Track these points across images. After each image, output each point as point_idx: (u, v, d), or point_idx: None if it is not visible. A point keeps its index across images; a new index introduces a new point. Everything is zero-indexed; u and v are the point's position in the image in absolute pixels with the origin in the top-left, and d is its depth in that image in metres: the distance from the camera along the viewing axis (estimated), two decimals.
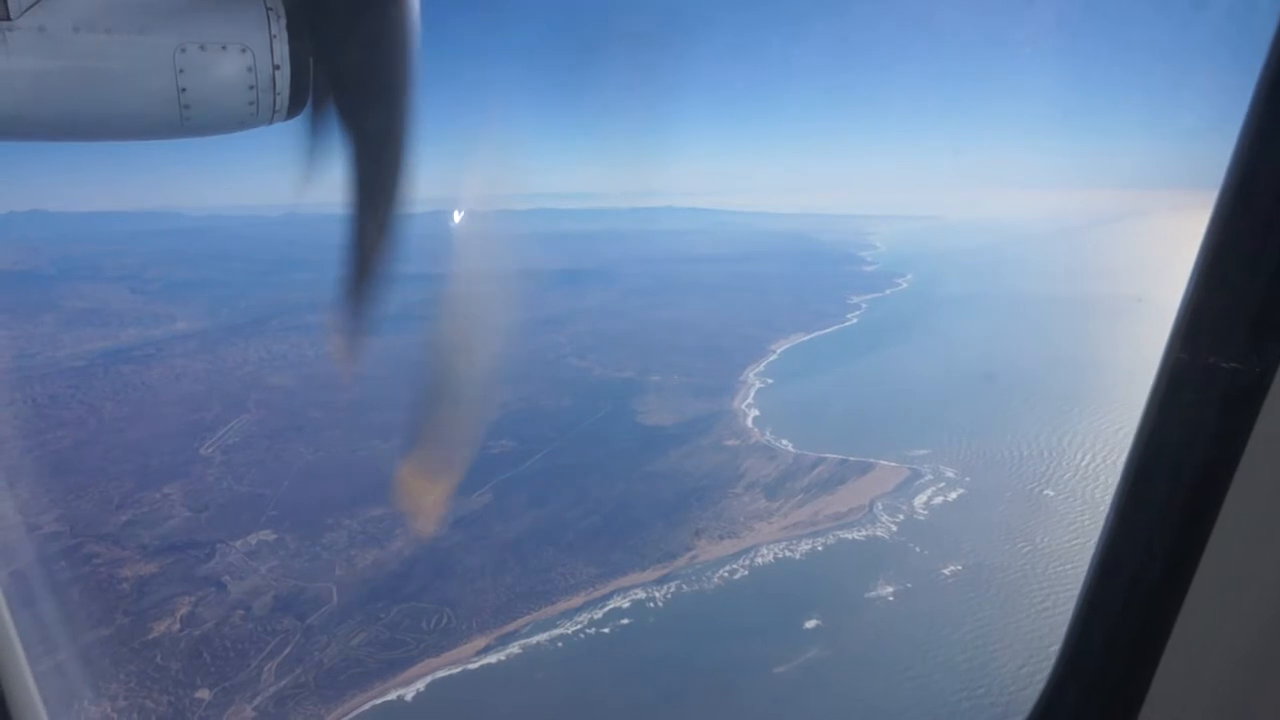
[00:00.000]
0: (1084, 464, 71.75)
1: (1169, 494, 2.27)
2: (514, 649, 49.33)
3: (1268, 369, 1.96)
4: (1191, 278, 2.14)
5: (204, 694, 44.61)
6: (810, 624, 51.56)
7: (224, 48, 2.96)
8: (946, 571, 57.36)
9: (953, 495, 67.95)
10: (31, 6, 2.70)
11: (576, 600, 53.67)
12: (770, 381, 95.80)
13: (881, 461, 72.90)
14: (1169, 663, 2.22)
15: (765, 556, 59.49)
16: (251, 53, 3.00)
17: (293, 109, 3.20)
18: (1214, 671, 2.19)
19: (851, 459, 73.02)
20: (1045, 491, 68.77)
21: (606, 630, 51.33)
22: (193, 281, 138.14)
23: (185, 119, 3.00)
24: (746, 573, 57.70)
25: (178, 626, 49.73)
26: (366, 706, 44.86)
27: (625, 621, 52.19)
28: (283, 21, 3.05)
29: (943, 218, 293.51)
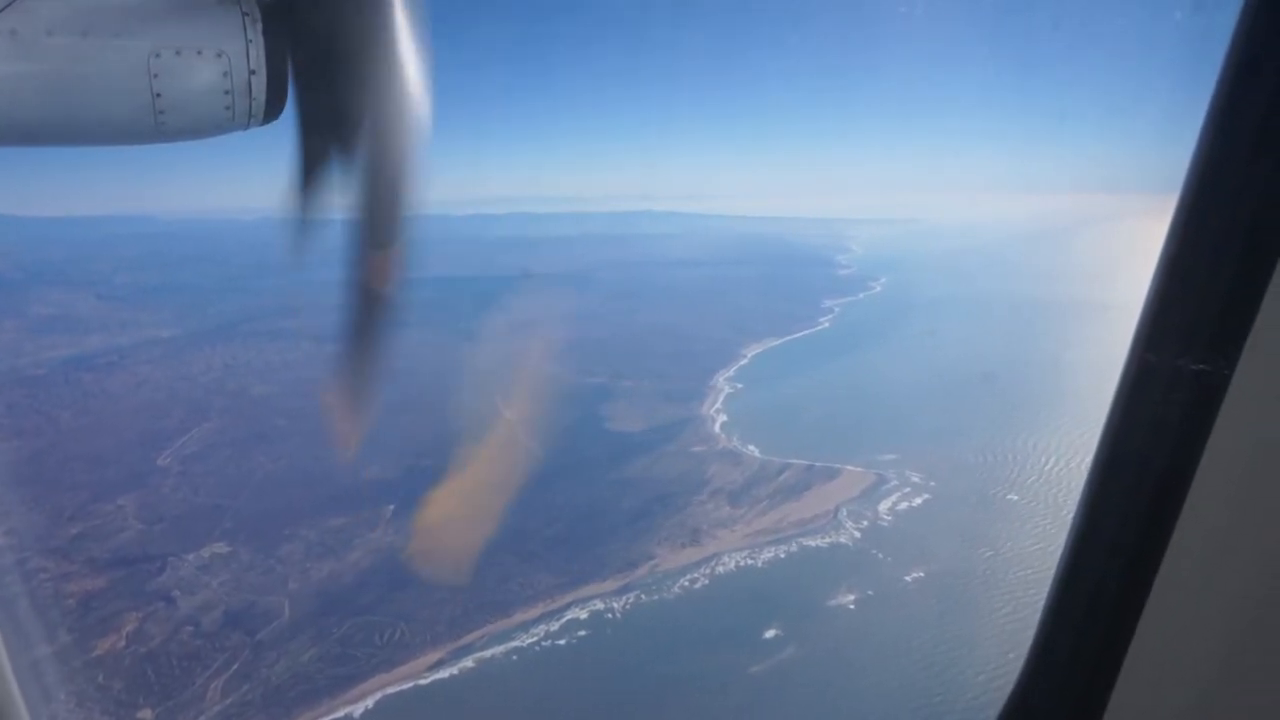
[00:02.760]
0: (1048, 468, 71.88)
1: (1134, 494, 2.29)
2: (467, 663, 48.56)
3: (1228, 370, 1.99)
4: (1154, 280, 2.17)
5: (146, 714, 43.57)
6: (770, 634, 51.13)
7: (199, 53, 2.90)
8: (909, 578, 57.15)
9: (918, 500, 67.82)
10: (2, 10, 2.65)
11: (534, 612, 52.97)
12: (740, 386, 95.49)
13: (848, 467, 72.67)
14: (1133, 662, 2.25)
15: (727, 565, 59.04)
16: (227, 58, 2.95)
17: (269, 114, 3.14)
18: (1179, 670, 2.21)
19: (818, 464, 72.76)
20: (1010, 496, 68.83)
21: (562, 642, 50.67)
22: (162, 286, 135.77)
23: (160, 124, 2.95)
24: (707, 581, 57.23)
25: (123, 644, 48.57)
26: None
27: (582, 633, 51.57)
28: (259, 26, 2.99)
29: (920, 221, 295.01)
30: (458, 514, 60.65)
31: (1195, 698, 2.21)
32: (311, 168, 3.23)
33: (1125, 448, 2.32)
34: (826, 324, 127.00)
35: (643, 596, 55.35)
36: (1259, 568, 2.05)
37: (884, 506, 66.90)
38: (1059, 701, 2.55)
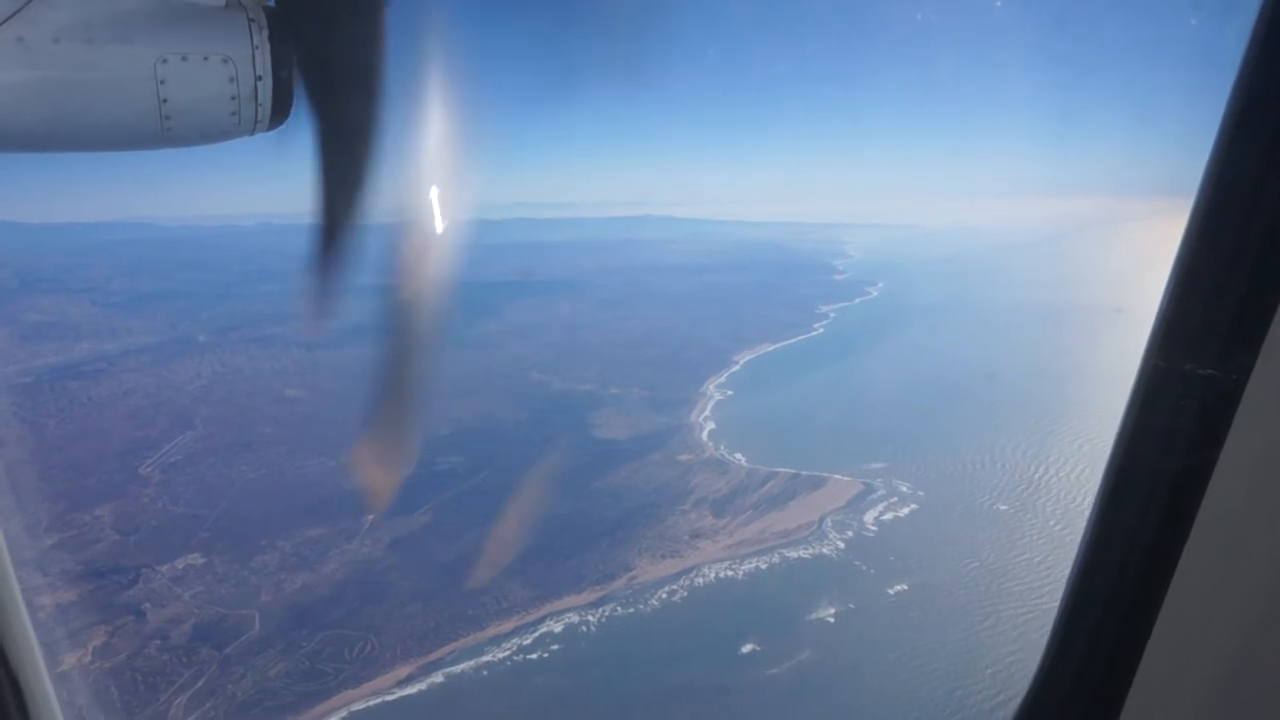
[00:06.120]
0: (1038, 476, 70.87)
1: (1149, 499, 2.30)
2: (436, 678, 47.79)
3: (1242, 375, 2.02)
4: (1168, 285, 2.18)
5: None
6: (746, 648, 50.23)
7: (206, 59, 2.92)
8: (891, 591, 56.16)
9: (904, 511, 66.85)
10: (10, 17, 2.66)
11: (508, 625, 52.18)
12: (730, 393, 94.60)
13: (835, 476, 71.72)
14: (1149, 665, 2.27)
15: (707, 576, 58.17)
16: (233, 64, 2.97)
17: (275, 120, 3.16)
18: (1194, 673, 2.24)
19: (804, 474, 71.85)
20: (999, 506, 67.79)
21: (534, 656, 49.84)
22: (157, 293, 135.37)
23: (166, 130, 2.96)
24: (686, 594, 56.38)
25: (89, 658, 47.87)
26: None
27: (556, 647, 50.73)
28: (265, 32, 3.01)
29: (919, 226, 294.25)
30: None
31: (1210, 700, 2.22)
32: (322, 172, 3.25)
33: (1140, 453, 2.33)
34: (821, 330, 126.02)
35: (619, 609, 54.48)
36: (1273, 572, 2.04)
37: (870, 517, 65.91)
38: (1075, 703, 2.56)
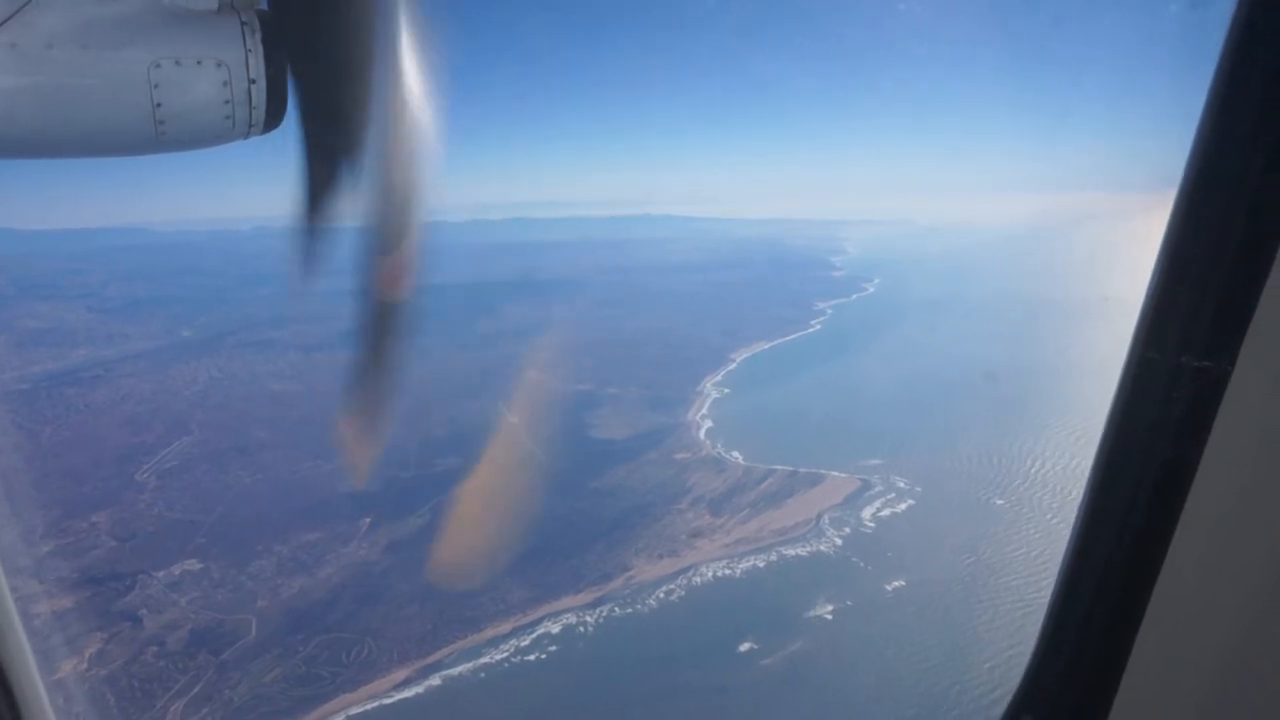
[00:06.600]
0: (1034, 471, 70.80)
1: (1137, 491, 2.31)
2: (434, 681, 47.67)
3: (1228, 365, 2.03)
4: (1153, 277, 2.20)
5: None
6: (744, 647, 50.15)
7: (199, 63, 2.92)
8: (889, 587, 56.06)
9: (901, 507, 66.76)
10: (3, 23, 2.66)
11: (505, 627, 52.06)
12: (727, 391, 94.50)
13: (832, 473, 71.65)
14: (1139, 657, 2.28)
15: (704, 575, 58.07)
16: (227, 68, 2.96)
17: (269, 123, 3.14)
18: (1184, 665, 2.25)
19: (801, 471, 71.77)
20: (996, 501, 67.71)
21: (532, 658, 49.74)
22: (153, 298, 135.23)
23: (160, 134, 2.94)
24: (683, 593, 56.27)
25: (85, 666, 47.76)
26: None
27: (554, 648, 50.63)
28: (258, 36, 3.01)
29: (913, 221, 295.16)
30: (474, 521, 59.52)
31: (1200, 693, 2.23)
32: (314, 176, 3.20)
33: (1127, 445, 2.34)
34: (818, 326, 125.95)
35: (616, 609, 54.40)
36: (1262, 562, 2.06)
37: (867, 513, 65.83)
38: (1066, 696, 2.58)
